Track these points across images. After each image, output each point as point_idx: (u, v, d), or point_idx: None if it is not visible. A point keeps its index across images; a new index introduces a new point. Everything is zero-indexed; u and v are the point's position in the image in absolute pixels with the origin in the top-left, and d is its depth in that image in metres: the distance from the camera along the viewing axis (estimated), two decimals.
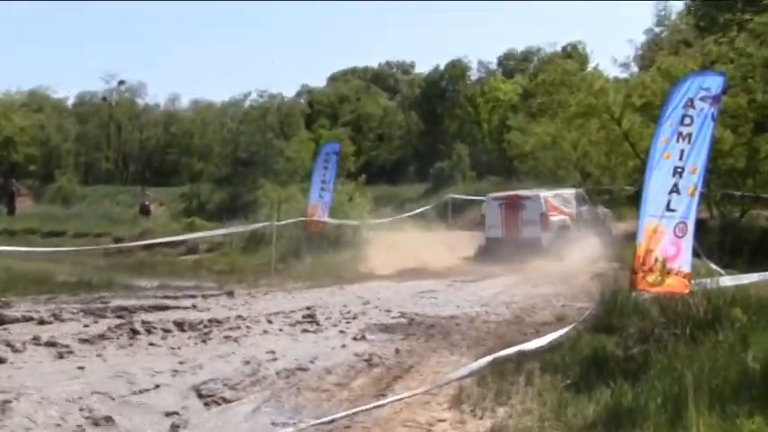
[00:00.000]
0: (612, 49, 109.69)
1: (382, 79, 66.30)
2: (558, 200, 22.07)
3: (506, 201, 21.98)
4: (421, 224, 26.04)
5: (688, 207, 8.84)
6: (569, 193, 23.12)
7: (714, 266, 11.61)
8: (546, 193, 21.89)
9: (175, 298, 13.36)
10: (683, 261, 8.88)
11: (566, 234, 21.04)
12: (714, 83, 8.97)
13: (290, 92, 64.88)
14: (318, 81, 70.41)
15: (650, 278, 8.81)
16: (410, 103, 57.34)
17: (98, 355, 8.59)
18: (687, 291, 8.76)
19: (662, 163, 8.82)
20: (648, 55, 35.36)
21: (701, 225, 13.18)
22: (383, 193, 39.18)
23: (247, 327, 10.54)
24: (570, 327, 9.44)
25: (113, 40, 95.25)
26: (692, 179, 8.83)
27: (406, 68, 67.44)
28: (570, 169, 31.15)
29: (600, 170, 28.86)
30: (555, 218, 21.37)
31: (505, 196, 22.52)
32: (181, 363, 8.36)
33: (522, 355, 8.37)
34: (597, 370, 7.73)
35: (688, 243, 8.90)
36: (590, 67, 38.99)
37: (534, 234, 20.93)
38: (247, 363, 8.46)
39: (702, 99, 8.83)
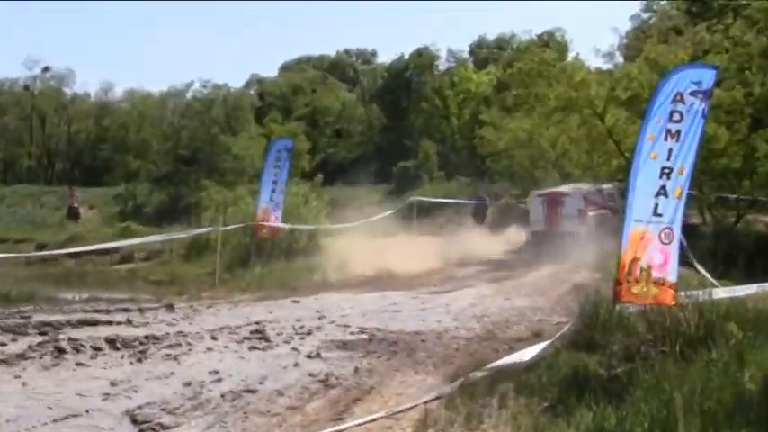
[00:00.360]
0: (595, 37, 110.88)
1: (340, 69, 66.28)
2: (598, 195, 24.52)
3: (548, 197, 25.12)
4: (383, 229, 25.99)
5: (675, 211, 8.92)
6: (611, 187, 24.95)
7: (707, 276, 11.74)
8: (585, 190, 24.71)
9: (107, 312, 13.19)
10: (671, 270, 8.97)
11: (604, 227, 21.86)
12: (705, 76, 9.05)
13: (237, 82, 64.74)
14: (270, 70, 70.38)
15: (635, 289, 8.88)
16: (371, 95, 57.48)
17: (16, 377, 8.43)
18: (674, 302, 8.83)
19: (649, 163, 8.89)
20: (635, 44, 35.71)
21: (692, 231, 13.35)
22: (341, 194, 39.10)
23: (189, 344, 10.43)
24: (548, 343, 9.47)
25: (37, 23, 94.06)
26: (680, 180, 8.92)
27: (367, 57, 67.54)
28: (548, 169, 31.41)
29: (581, 170, 29.03)
30: (592, 213, 23.69)
31: (548, 193, 25.66)
32: (113, 385, 8.24)
33: (495, 375, 8.37)
34: (577, 391, 7.74)
35: (675, 250, 9.00)
36: (570, 56, 39.38)
37: (573, 228, 23.54)
38: (188, 384, 8.36)
39: (693, 94, 8.91)
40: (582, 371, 8.34)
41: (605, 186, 25.02)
